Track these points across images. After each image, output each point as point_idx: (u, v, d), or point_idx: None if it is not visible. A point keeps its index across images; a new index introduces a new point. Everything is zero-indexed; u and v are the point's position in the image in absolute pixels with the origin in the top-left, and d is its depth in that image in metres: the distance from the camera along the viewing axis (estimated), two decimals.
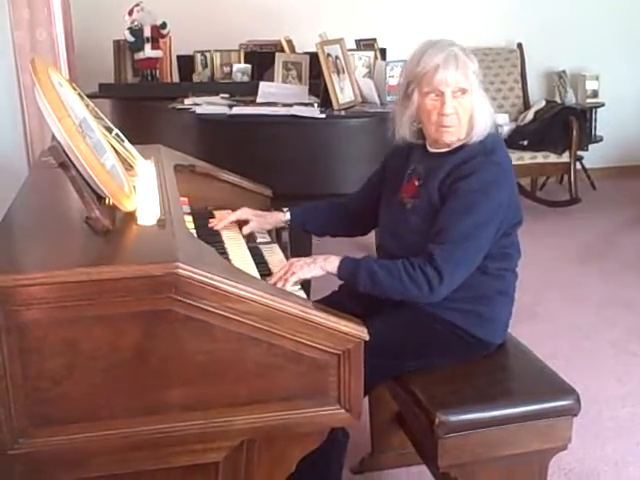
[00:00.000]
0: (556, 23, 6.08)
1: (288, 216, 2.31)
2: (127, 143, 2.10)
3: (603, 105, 6.08)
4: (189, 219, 2.11)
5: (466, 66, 1.94)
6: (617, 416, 2.86)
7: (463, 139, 1.99)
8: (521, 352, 2.13)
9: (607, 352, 3.39)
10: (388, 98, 3.66)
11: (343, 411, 1.57)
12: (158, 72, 4.22)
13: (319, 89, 3.66)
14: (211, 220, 2.27)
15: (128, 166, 1.98)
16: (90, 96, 2.78)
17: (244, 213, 2.28)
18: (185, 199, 2.23)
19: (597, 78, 6.09)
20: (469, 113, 1.96)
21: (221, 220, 2.26)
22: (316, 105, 3.57)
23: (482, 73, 2.01)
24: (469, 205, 1.91)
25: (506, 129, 5.48)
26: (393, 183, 2.15)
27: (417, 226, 1.99)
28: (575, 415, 1.91)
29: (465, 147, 1.99)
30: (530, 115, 5.65)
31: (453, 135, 1.97)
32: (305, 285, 1.95)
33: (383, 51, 4.42)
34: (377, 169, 2.31)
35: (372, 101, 3.69)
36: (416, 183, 2.06)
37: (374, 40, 4.48)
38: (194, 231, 2.03)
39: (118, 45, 4.26)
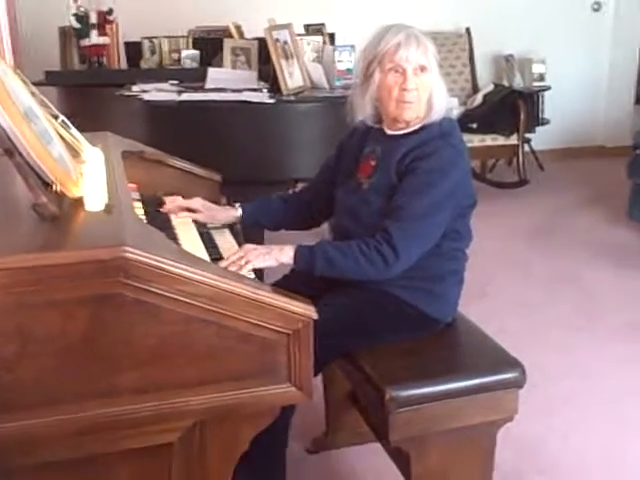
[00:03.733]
0: (503, 7, 6.18)
1: (240, 212, 2.30)
2: (74, 130, 2.08)
3: (549, 88, 6.19)
4: (139, 205, 2.11)
5: (426, 46, 2.00)
6: (563, 388, 2.94)
7: (422, 118, 2.04)
8: (469, 329, 2.18)
9: (554, 327, 3.49)
10: (337, 83, 3.69)
11: (294, 389, 1.58)
12: (105, 59, 4.18)
13: (268, 74, 3.66)
14: (163, 207, 2.26)
15: (75, 153, 1.97)
16: (36, 84, 2.75)
17: (195, 202, 2.27)
18: (134, 185, 2.23)
19: (543, 62, 6.20)
20: (429, 92, 2.02)
21: (171, 203, 2.26)
22: (265, 90, 3.57)
23: (440, 57, 2.07)
24: (427, 184, 1.96)
25: (455, 112, 5.54)
26: (349, 165, 2.18)
27: (378, 206, 2.03)
28: (520, 387, 1.96)
29: (422, 130, 2.04)
30: (479, 98, 5.72)
31: (413, 112, 2.02)
32: (258, 270, 1.96)
33: (332, 36, 4.44)
34: (330, 156, 2.32)
35: (321, 86, 3.71)
36: (372, 163, 2.10)
37: (322, 25, 4.49)
38: (144, 217, 2.03)
39: (64, 31, 4.21)
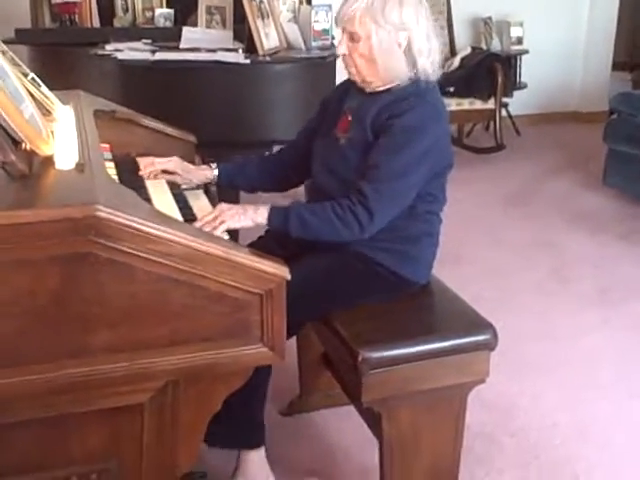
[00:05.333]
0: None
1: (215, 173, 2.27)
2: (44, 88, 2.05)
3: (527, 52, 6.17)
4: (111, 165, 2.08)
5: (370, 12, 1.91)
6: (535, 352, 2.98)
7: (385, 82, 2.00)
8: (443, 291, 2.19)
9: (528, 292, 3.52)
10: (313, 43, 3.65)
11: (266, 350, 1.58)
12: (77, 17, 4.10)
13: (244, 34, 3.62)
14: (140, 172, 2.22)
15: (45, 111, 1.94)
16: (6, 42, 2.69)
17: (172, 163, 2.23)
18: (107, 145, 2.19)
19: (521, 25, 6.17)
20: (369, 58, 1.96)
21: (147, 167, 2.22)
22: (241, 51, 3.53)
23: (415, 23, 1.94)
24: (402, 143, 1.93)
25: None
26: (329, 120, 2.16)
27: (355, 162, 2.01)
28: (492, 349, 1.97)
29: (397, 87, 2.00)
30: (456, 62, 5.69)
31: (355, 76, 2.02)
32: (232, 230, 1.95)
33: None
34: (312, 116, 2.30)
35: (297, 46, 3.67)
36: (349, 118, 2.08)
37: None
38: (116, 177, 2.01)
39: None
